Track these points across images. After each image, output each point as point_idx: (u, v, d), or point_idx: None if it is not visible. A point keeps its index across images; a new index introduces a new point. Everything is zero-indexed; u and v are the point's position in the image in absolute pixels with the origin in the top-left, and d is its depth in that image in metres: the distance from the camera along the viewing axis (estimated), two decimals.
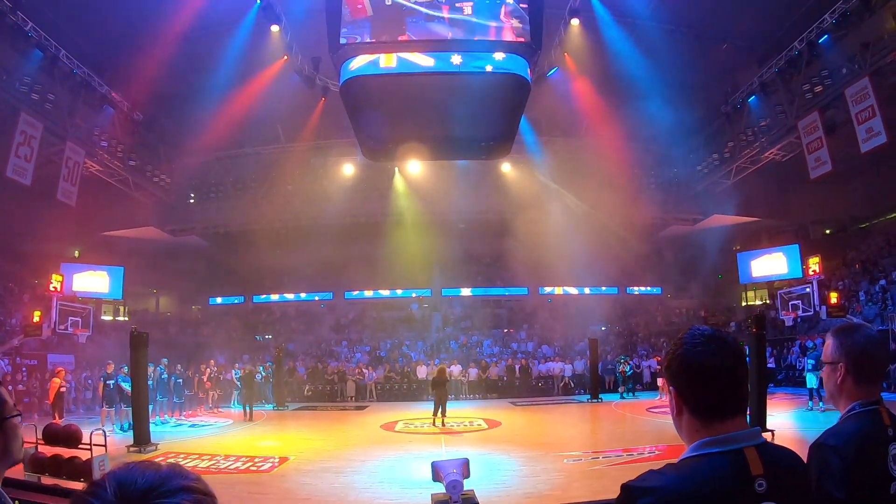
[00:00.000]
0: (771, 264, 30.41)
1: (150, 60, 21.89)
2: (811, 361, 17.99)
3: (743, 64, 26.58)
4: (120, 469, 0.97)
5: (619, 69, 23.57)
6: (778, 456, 1.58)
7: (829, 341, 2.33)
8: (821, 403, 17.04)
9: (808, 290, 22.76)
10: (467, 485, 3.49)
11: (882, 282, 23.90)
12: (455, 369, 26.28)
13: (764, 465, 1.51)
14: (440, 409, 17.33)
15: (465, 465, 3.57)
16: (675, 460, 1.59)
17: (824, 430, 2.19)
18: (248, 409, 20.16)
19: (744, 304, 33.59)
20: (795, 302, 23.36)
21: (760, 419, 12.98)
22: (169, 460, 1.07)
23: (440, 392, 17.64)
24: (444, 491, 3.39)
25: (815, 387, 17.39)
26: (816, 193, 28.79)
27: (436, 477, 3.56)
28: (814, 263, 23.20)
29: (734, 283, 32.86)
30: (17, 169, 20.55)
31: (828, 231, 32.80)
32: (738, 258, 32.01)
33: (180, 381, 20.05)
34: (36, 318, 21.07)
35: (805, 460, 1.78)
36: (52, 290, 21.76)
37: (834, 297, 22.11)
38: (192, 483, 0.97)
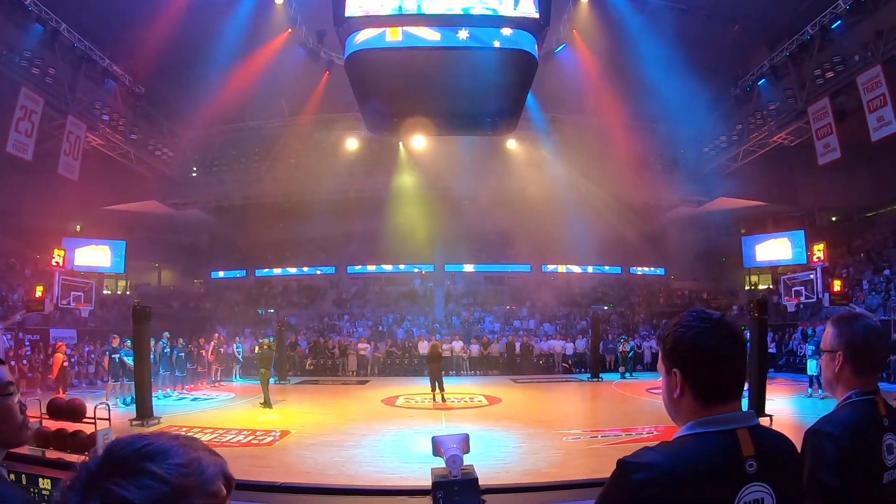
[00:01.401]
0: (776, 249, 30.33)
1: (151, 33, 21.73)
2: (811, 347, 18.03)
3: (754, 46, 26.32)
4: (117, 439, 1.00)
5: (628, 48, 23.36)
6: (770, 439, 1.61)
7: (829, 330, 2.32)
8: (820, 391, 17.02)
9: (811, 276, 22.74)
10: (467, 460, 3.48)
11: (886, 272, 23.86)
12: (456, 345, 26.40)
13: (755, 446, 1.54)
14: (437, 385, 17.39)
15: (465, 440, 3.57)
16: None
17: (820, 417, 2.20)
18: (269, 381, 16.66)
19: (747, 288, 33.58)
20: (798, 288, 23.34)
21: (759, 404, 12.99)
22: (183, 433, 1.08)
23: (433, 367, 17.73)
24: (444, 465, 3.39)
25: (815, 373, 17.31)
26: (824, 180, 28.69)
27: (436, 451, 3.55)
28: (818, 250, 23.15)
29: (738, 266, 32.82)
30: (17, 144, 20.51)
31: (834, 218, 32.72)
32: (742, 242, 31.95)
33: (182, 354, 20.12)
34: (38, 293, 21.15)
35: (799, 446, 1.79)
36: (55, 264, 21.80)
37: (837, 285, 22.08)
38: (158, 470, 0.96)
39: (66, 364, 17.60)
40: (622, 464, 1.53)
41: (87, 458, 0.99)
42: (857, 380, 2.22)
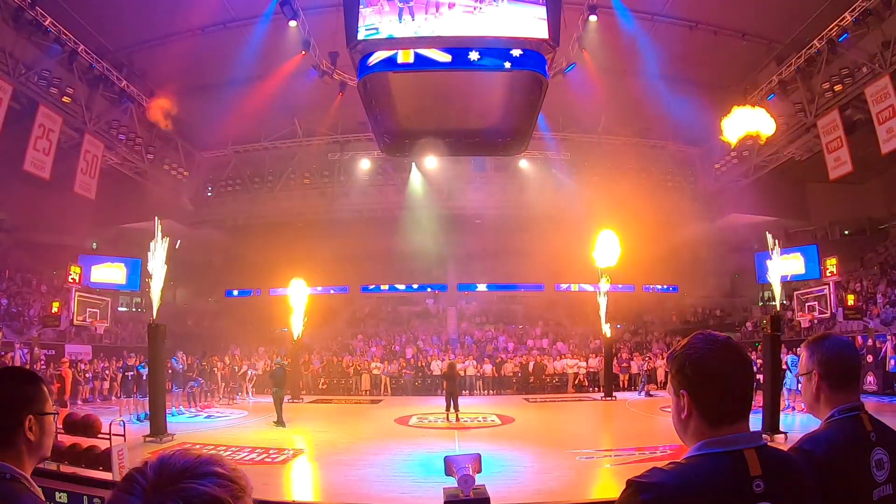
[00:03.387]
0: (788, 264, 30.05)
1: (168, 55, 22.08)
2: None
3: (762, 61, 26.32)
4: (165, 452, 1.07)
5: (638, 65, 23.43)
6: (777, 458, 1.63)
7: (802, 353, 2.35)
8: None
9: (825, 291, 22.58)
10: (479, 480, 3.52)
11: None
12: (469, 364, 26.31)
13: (763, 466, 1.56)
14: (452, 404, 17.38)
15: (477, 460, 3.60)
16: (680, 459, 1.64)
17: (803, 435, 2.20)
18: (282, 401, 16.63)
19: (760, 304, 33.30)
20: (812, 303, 23.17)
21: (773, 420, 12.93)
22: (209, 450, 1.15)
23: (451, 386, 17.74)
24: (455, 485, 3.42)
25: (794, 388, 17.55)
26: (835, 194, 28.53)
27: (448, 471, 3.59)
28: (831, 265, 23.00)
29: (751, 282, 32.57)
30: (35, 162, 20.82)
31: (846, 232, 32.47)
32: (755, 257, 31.72)
33: (197, 379, 20.21)
34: (54, 309, 21.38)
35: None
36: (71, 281, 22.05)
37: (851, 299, 21.94)
38: (221, 470, 1.05)
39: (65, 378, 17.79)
40: (632, 483, 1.57)
41: (134, 468, 1.05)
42: (836, 397, 2.21)
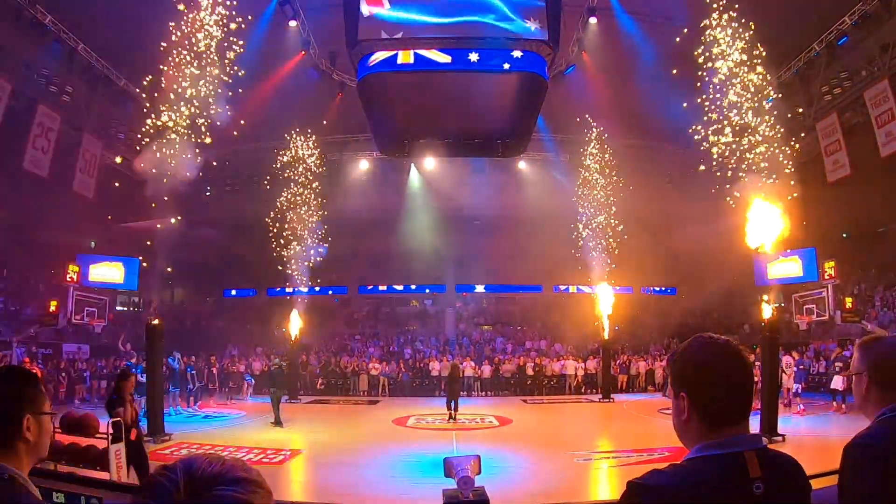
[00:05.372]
0: (787, 267, 30.01)
1: (168, 54, 22.04)
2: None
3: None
4: (190, 457, 1.05)
5: (637, 67, 23.44)
6: (776, 460, 1.62)
7: (855, 354, 2.34)
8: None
9: (823, 294, 22.57)
10: (478, 481, 3.51)
11: None
12: (467, 366, 26.30)
13: (762, 468, 1.56)
14: (453, 405, 17.39)
15: (476, 461, 3.59)
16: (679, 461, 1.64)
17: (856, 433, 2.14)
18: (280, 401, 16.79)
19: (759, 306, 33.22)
20: (810, 306, 23.16)
21: (771, 422, 12.93)
22: (230, 454, 1.14)
23: (454, 387, 17.75)
24: (455, 487, 3.42)
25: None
26: (834, 196, 28.51)
27: (447, 473, 3.57)
28: (829, 267, 22.99)
29: (750, 285, 32.54)
30: (34, 161, 20.82)
31: (844, 235, 32.45)
32: (753, 260, 31.67)
33: (193, 372, 20.18)
34: (52, 308, 21.34)
35: (803, 465, 1.78)
36: (69, 280, 22.01)
37: (849, 302, 21.93)
38: (251, 476, 1.05)
39: None
40: (631, 486, 1.57)
41: (159, 471, 1.03)
42: (886, 397, 2.19)
